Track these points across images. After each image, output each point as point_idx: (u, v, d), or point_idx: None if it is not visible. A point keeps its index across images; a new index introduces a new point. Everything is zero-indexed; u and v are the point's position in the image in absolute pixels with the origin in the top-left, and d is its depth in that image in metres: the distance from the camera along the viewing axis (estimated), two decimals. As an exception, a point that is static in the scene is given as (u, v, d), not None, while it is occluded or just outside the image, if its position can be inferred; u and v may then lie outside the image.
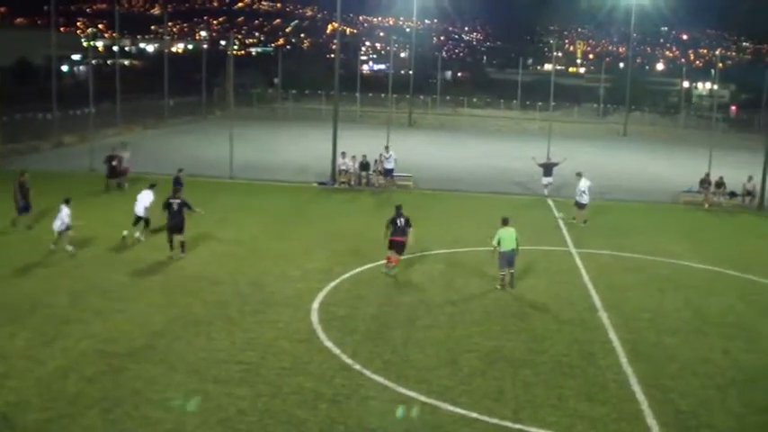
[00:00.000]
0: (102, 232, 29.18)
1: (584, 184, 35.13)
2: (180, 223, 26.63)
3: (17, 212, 29.70)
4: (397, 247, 25.42)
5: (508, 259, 24.20)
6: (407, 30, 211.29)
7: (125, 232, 28.21)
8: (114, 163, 38.97)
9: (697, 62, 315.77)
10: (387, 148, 43.07)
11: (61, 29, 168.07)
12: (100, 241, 28.26)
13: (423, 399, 16.39)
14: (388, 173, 42.54)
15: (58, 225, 26.26)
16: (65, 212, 26.40)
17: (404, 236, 25.50)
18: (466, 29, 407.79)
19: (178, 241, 26.76)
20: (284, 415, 15.52)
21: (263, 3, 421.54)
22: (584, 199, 34.99)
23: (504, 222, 24.45)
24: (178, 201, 26.92)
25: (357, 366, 17.94)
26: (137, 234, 28.48)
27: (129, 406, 15.68)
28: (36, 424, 14.89)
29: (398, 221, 25.53)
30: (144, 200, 28.72)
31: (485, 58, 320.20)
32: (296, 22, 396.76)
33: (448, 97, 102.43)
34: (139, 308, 21.56)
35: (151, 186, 29.38)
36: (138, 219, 28.73)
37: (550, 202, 40.19)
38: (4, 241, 28.07)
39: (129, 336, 19.47)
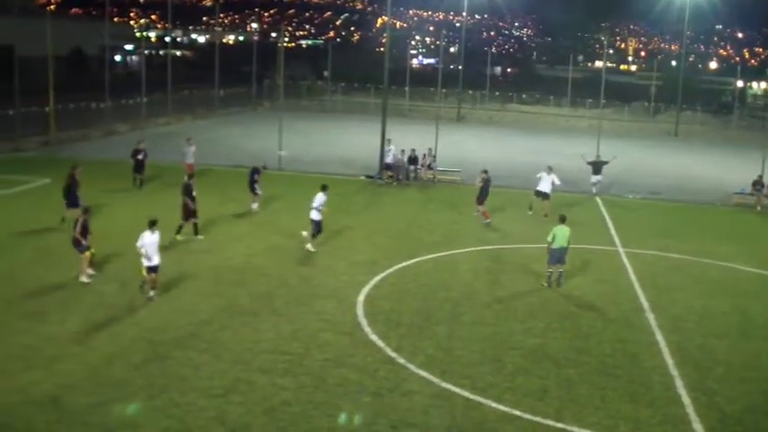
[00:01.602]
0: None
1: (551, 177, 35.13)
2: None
3: (66, 207, 29.05)
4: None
5: (558, 257, 24.08)
6: (457, 24, 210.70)
7: (305, 236, 27.46)
8: (140, 157, 37.62)
9: (752, 61, 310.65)
10: (389, 141, 42.91)
11: (115, 19, 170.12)
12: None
13: (466, 395, 16.40)
14: (388, 167, 42.59)
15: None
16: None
17: None
18: (516, 24, 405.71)
19: (192, 224, 28.18)
20: (327, 406, 15.63)
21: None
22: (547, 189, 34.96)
23: (562, 220, 24.37)
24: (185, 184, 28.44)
25: (401, 360, 17.99)
26: (307, 244, 27.42)
27: (175, 393, 15.90)
28: (84, 407, 15.17)
29: None
30: (316, 202, 27.33)
31: (534, 54, 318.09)
32: (346, 15, 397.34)
33: (497, 93, 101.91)
34: (186, 297, 21.82)
35: (323, 188, 27.70)
36: (313, 224, 27.44)
37: (599, 200, 39.86)
38: (54, 230, 28.46)
39: (176, 324, 19.72)
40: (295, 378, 16.83)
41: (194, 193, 28.09)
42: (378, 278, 24.35)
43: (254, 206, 32.81)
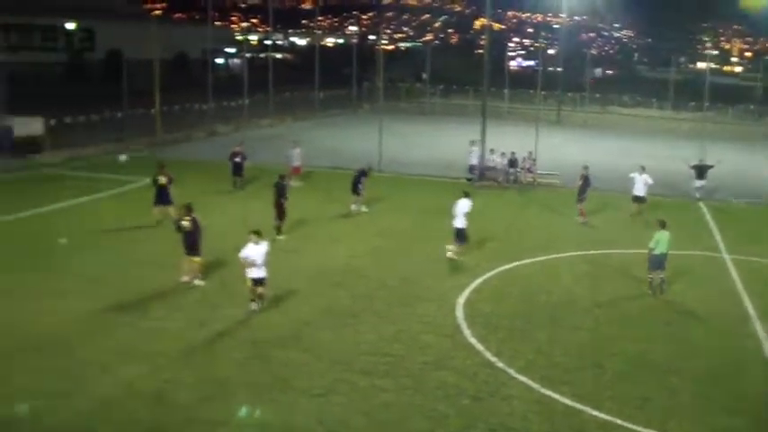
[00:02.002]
0: (244, 224, 29.83)
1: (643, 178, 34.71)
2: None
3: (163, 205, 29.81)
4: None
5: (659, 262, 23.62)
6: (556, 26, 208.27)
7: (449, 248, 27.08)
8: (238, 160, 37.71)
9: None
10: (473, 142, 42.75)
11: (216, 23, 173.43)
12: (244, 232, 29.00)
13: (566, 401, 16.22)
14: (472, 169, 42.56)
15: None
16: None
17: None
18: (616, 25, 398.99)
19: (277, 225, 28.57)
20: (426, 409, 15.65)
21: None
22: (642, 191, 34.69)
23: (662, 225, 23.90)
24: (282, 184, 28.93)
25: (500, 364, 17.89)
26: (449, 253, 26.86)
27: (276, 392, 16.14)
28: (188, 402, 15.54)
29: None
30: (461, 209, 27.07)
31: (635, 55, 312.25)
32: (444, 17, 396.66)
33: (597, 95, 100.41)
34: (288, 298, 22.09)
35: (466, 195, 27.60)
36: (456, 232, 26.96)
37: (702, 205, 38.88)
38: (157, 228, 29.15)
39: (278, 324, 20.01)
40: (395, 380, 16.88)
41: (287, 195, 28.77)
42: (478, 281, 24.26)
43: (354, 207, 33.06)
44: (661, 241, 23.50)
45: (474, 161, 42.35)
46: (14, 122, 44.82)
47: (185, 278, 22.78)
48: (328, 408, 15.51)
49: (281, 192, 28.72)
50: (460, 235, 26.79)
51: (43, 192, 35.16)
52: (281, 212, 28.63)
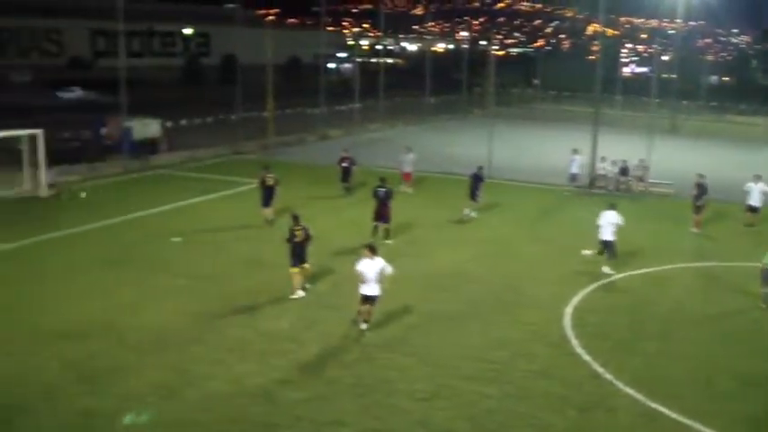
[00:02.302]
0: (352, 228, 30.09)
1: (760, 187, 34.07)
2: (386, 212, 28.83)
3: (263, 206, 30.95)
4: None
5: None
6: (671, 32, 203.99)
7: (587, 255, 26.97)
8: (345, 165, 37.64)
9: None
10: (575, 150, 41.78)
11: (328, 28, 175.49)
12: (351, 236, 29.32)
13: (674, 416, 15.87)
14: (573, 178, 41.64)
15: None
16: None
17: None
18: (735, 31, 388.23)
19: (383, 228, 28.79)
20: (530, 417, 15.57)
21: (523, 3, 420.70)
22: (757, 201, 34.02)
23: None
24: (384, 189, 28.98)
25: (607, 375, 17.65)
26: (605, 269, 26.12)
27: (381, 394, 16.29)
28: (295, 402, 15.83)
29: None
30: (607, 220, 26.14)
31: (754, 62, 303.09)
32: (556, 22, 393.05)
33: (713, 103, 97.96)
34: (396, 301, 22.14)
35: (611, 206, 26.72)
36: (605, 245, 26.20)
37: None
38: (269, 230, 29.71)
39: (384, 326, 20.17)
40: (499, 387, 16.84)
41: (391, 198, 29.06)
42: (587, 290, 23.96)
43: (467, 212, 33.09)
44: None
45: (575, 170, 41.70)
46: (134, 124, 46.32)
47: (300, 293, 22.32)
48: (432, 412, 15.58)
49: (378, 195, 28.95)
50: (609, 248, 25.98)
51: (158, 192, 36.30)
52: (381, 216, 28.80)
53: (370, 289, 19.57)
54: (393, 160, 41.34)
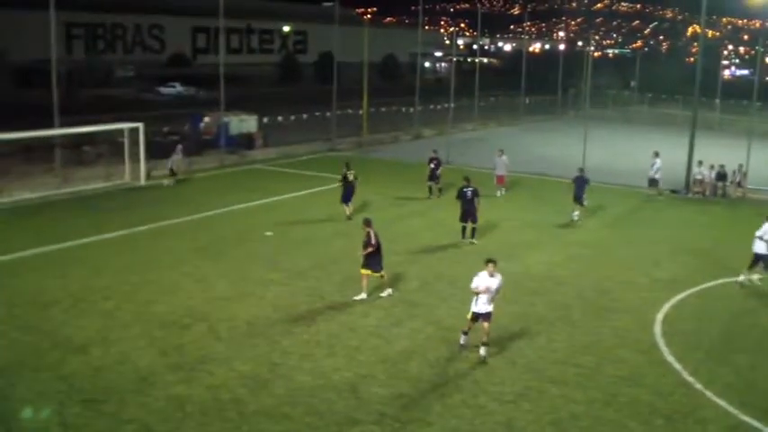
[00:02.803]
0: (440, 228, 30.12)
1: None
2: (474, 211, 28.52)
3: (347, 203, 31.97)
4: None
5: None
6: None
7: (741, 277, 25.26)
8: (432, 165, 37.18)
9: None
10: (656, 153, 40.52)
11: (426, 27, 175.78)
12: (439, 235, 29.36)
13: (765, 431, 15.48)
14: (653, 182, 40.43)
15: None
16: None
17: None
18: None
19: (471, 228, 28.63)
20: (616, 425, 15.38)
21: (622, 4, 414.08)
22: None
23: None
24: (471, 189, 28.54)
25: (698, 385, 17.29)
26: (754, 277, 25.18)
27: (467, 394, 16.31)
28: (379, 398, 15.96)
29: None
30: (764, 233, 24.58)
31: None
32: (655, 23, 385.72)
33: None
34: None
35: None
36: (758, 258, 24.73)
37: None
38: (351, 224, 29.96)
39: (473, 327, 20.14)
40: (585, 392, 16.69)
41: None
42: (679, 297, 23.51)
43: (575, 215, 32.86)
44: None
45: (655, 174, 40.18)
46: (231, 120, 47.23)
47: (363, 295, 21.98)
48: (517, 414, 15.53)
49: (465, 195, 28.59)
50: (763, 260, 24.63)
51: (253, 186, 36.94)
52: (469, 215, 28.57)
53: (486, 306, 18.25)
54: (487, 161, 41.22)
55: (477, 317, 18.28)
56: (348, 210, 31.62)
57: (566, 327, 20.56)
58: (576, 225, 32.48)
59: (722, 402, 16.49)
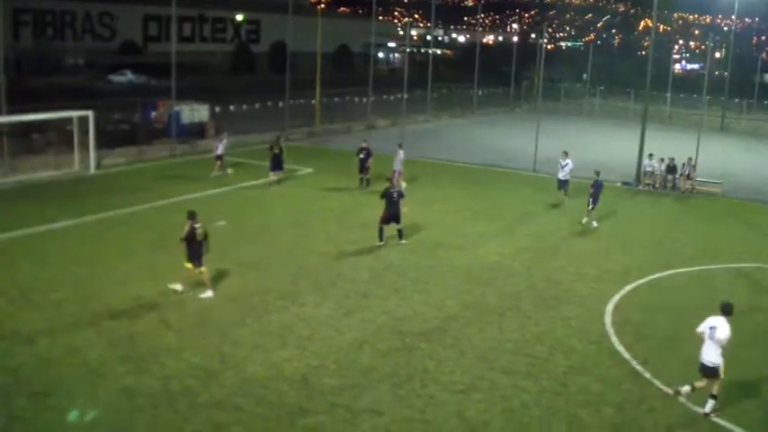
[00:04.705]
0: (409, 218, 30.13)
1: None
2: (398, 213, 26.98)
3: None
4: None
5: None
6: (725, 28, 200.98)
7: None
8: (362, 156, 36.79)
9: None
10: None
11: (379, 18, 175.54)
12: (390, 227, 29.36)
13: (714, 419, 15.69)
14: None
15: None
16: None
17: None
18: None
19: (397, 229, 27.16)
20: (567, 414, 15.51)
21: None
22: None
23: None
24: (396, 190, 27.17)
25: (647, 375, 17.50)
26: None
27: (418, 384, 16.35)
28: (331, 388, 15.94)
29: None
30: None
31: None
32: (608, 17, 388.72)
33: (766, 102, 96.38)
34: (436, 291, 22.29)
35: None
36: None
37: None
38: (313, 218, 29.90)
39: (424, 316, 20.23)
40: (536, 382, 16.80)
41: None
42: (629, 288, 23.76)
43: (594, 224, 31.52)
44: None
45: (565, 176, 36.10)
46: (182, 109, 46.79)
47: (177, 286, 21.11)
48: (468, 404, 15.59)
49: (392, 197, 26.94)
50: None
51: (205, 176, 36.57)
52: (393, 217, 26.94)
53: (714, 355, 15.73)
54: (441, 152, 41.28)
55: (706, 371, 15.82)
56: (275, 177, 35.59)
57: (517, 317, 20.67)
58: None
59: (671, 391, 16.66)
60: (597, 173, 32.78)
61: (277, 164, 35.69)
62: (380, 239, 26.78)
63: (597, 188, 31.71)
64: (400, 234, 27.27)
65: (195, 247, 20.92)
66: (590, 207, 31.58)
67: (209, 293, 21.00)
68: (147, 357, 16.91)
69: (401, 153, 37.20)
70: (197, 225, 20.91)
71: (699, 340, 15.71)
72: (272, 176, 35.60)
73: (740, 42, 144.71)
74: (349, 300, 21.20)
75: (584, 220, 31.74)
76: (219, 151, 37.18)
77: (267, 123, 52.70)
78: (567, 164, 35.37)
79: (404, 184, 33.17)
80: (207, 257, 21.06)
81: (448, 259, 25.62)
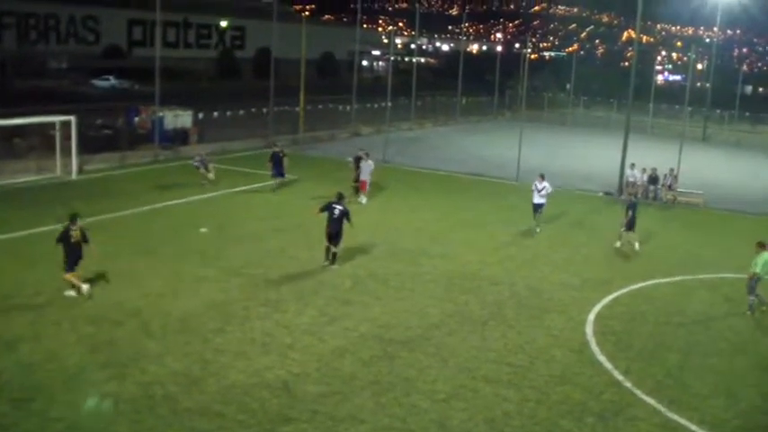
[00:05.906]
0: (375, 228, 30.24)
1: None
2: (339, 233, 24.76)
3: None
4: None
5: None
6: (707, 40, 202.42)
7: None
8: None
9: None
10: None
11: (364, 26, 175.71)
12: (374, 235, 29.40)
13: (694, 428, 15.75)
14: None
15: None
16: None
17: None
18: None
19: (332, 252, 24.87)
20: (549, 423, 15.53)
21: (559, 7, 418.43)
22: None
23: (763, 247, 23.02)
24: (341, 208, 24.81)
25: (628, 384, 17.57)
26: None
27: (400, 392, 16.33)
28: (313, 396, 15.90)
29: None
30: None
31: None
32: (591, 27, 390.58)
33: (747, 113, 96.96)
34: (419, 299, 22.30)
35: None
36: None
37: None
38: (298, 225, 29.87)
39: (406, 324, 20.22)
40: (519, 391, 16.82)
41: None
42: (611, 297, 23.86)
43: (637, 246, 30.04)
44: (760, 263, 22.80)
45: (541, 199, 33.13)
46: (166, 114, 46.67)
47: (72, 292, 20.88)
48: (449, 413, 15.59)
49: (333, 213, 24.69)
50: None
51: (188, 182, 36.43)
52: (332, 237, 24.72)
53: None
54: (424, 161, 41.30)
55: None
56: (275, 182, 36.33)
57: (499, 326, 20.70)
58: (510, 225, 32.63)
59: (652, 401, 16.77)
60: (635, 195, 33.21)
61: (279, 168, 36.42)
62: (326, 257, 24.85)
63: (635, 209, 30.12)
64: (333, 257, 24.83)
65: (71, 251, 20.71)
66: (624, 229, 30.04)
67: (71, 292, 20.82)
68: (128, 363, 16.83)
69: (370, 162, 35.60)
70: (73, 227, 20.81)
71: (681, 350, 15.65)
72: (276, 181, 36.60)
73: (722, 54, 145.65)
74: (331, 307, 21.17)
75: (618, 243, 30.37)
76: (196, 164, 36.83)
77: (251, 130, 52.63)
78: (544, 187, 32.35)
79: (364, 200, 33.09)
80: (186, 263, 20.94)
81: (431, 267, 25.63)
